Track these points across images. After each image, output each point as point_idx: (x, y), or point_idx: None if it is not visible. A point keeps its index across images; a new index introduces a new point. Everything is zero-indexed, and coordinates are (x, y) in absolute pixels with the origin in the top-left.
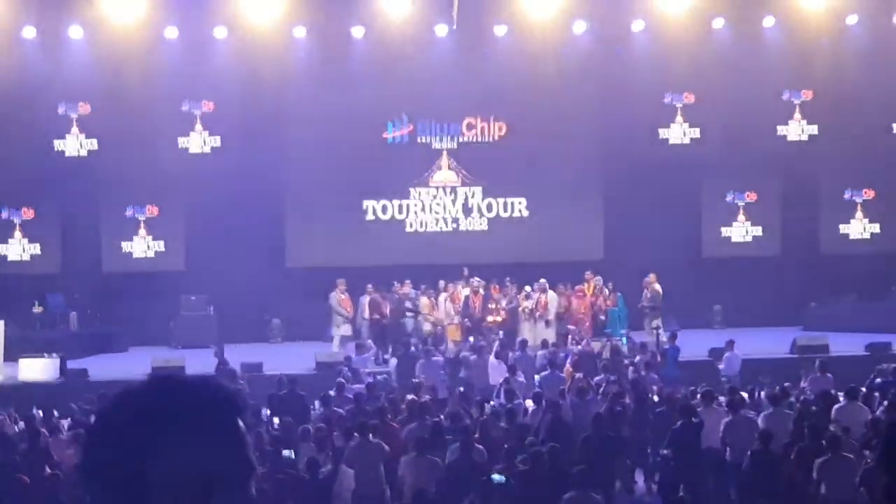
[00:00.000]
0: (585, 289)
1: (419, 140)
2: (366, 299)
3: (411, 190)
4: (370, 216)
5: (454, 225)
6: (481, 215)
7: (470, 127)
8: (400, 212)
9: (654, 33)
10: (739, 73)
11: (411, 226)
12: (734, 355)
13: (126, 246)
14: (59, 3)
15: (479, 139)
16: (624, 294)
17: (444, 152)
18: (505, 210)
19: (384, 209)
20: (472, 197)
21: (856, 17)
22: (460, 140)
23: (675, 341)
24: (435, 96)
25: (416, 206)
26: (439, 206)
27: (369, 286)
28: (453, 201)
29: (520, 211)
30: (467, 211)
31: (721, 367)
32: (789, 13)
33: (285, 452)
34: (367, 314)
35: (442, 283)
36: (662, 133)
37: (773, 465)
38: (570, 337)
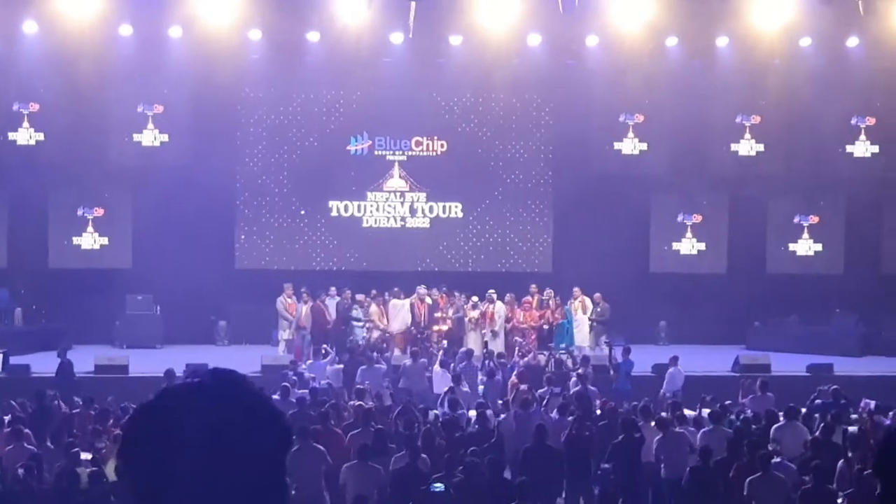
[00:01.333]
0: (531, 301)
1: (376, 153)
2: (304, 307)
3: (368, 193)
4: (334, 213)
5: (402, 222)
6: (424, 215)
7: (418, 143)
8: (359, 210)
9: (607, 49)
10: (691, 91)
11: (367, 222)
12: (677, 371)
13: (73, 242)
14: None
15: (426, 153)
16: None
17: (396, 163)
18: (444, 212)
19: (346, 208)
20: (417, 201)
21: (809, 40)
22: (409, 154)
23: (628, 356)
24: (390, 115)
25: (371, 206)
26: (391, 207)
27: (304, 291)
28: (402, 203)
29: (456, 213)
30: (413, 211)
31: (664, 382)
32: (743, 34)
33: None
34: (303, 322)
35: (395, 289)
36: (614, 147)
37: (713, 481)
38: (517, 349)
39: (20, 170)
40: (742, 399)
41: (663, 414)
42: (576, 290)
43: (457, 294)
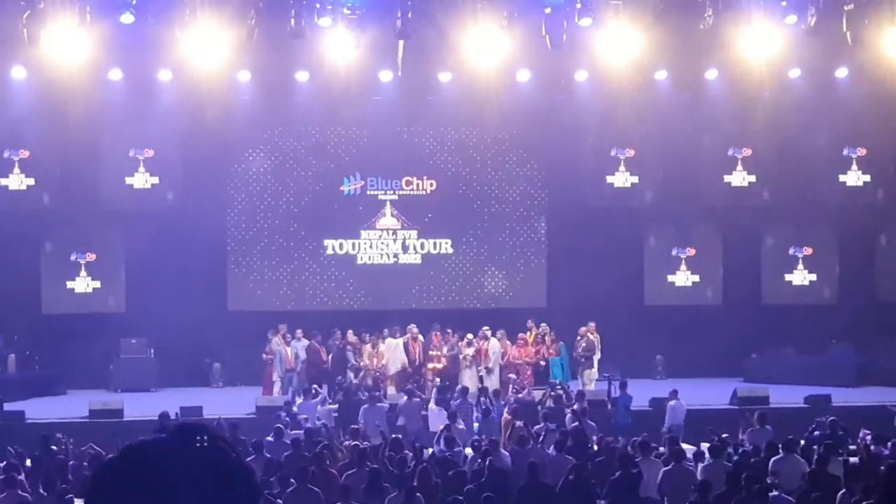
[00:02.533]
0: (527, 337)
1: (368, 192)
2: (288, 349)
3: (362, 232)
4: (329, 251)
5: (395, 259)
6: (416, 252)
7: (408, 183)
8: (353, 248)
9: (597, 84)
10: (682, 124)
11: (361, 259)
12: (679, 404)
13: (66, 287)
14: (1, 42)
15: (416, 192)
16: (566, 343)
17: (388, 202)
18: (434, 248)
19: (341, 246)
20: (409, 238)
21: (798, 71)
22: (400, 193)
23: (625, 390)
24: (381, 154)
25: (365, 244)
26: (384, 244)
27: (298, 331)
28: (394, 241)
29: (446, 249)
30: (405, 248)
31: (665, 416)
32: (732, 66)
33: None
34: (290, 365)
35: (386, 330)
36: (606, 180)
37: None
38: (511, 386)
39: (12, 216)
40: (742, 435)
41: (661, 448)
42: (590, 324)
43: (450, 332)
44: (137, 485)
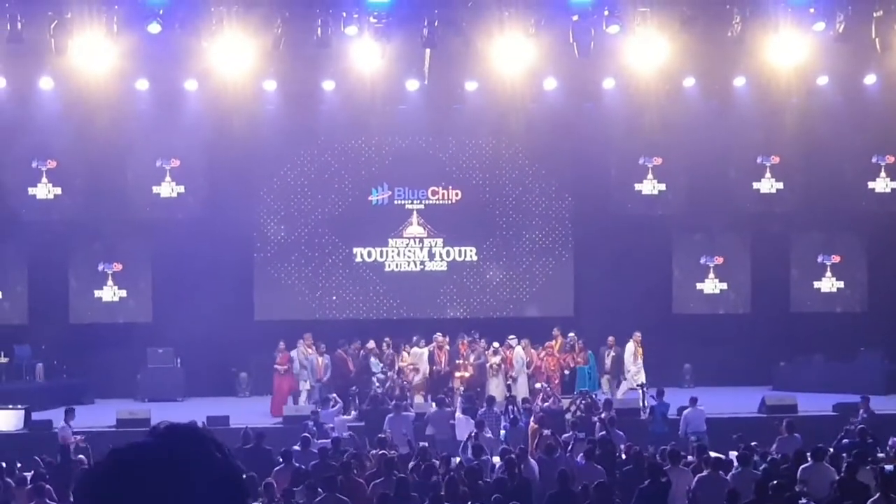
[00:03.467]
0: (553, 345)
1: (396, 202)
2: (319, 359)
3: (389, 240)
4: (358, 259)
5: (421, 266)
6: (441, 259)
7: (434, 193)
8: (381, 256)
9: (624, 92)
10: (710, 132)
11: (388, 266)
12: (696, 412)
13: (94, 297)
14: (28, 54)
15: (441, 202)
16: (594, 351)
17: (415, 212)
18: (459, 256)
19: (369, 254)
20: (435, 246)
21: (826, 78)
22: (427, 202)
23: (662, 398)
24: (408, 164)
25: (393, 252)
26: (411, 252)
27: (318, 343)
28: (421, 249)
29: (471, 257)
30: (431, 256)
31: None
32: (759, 73)
33: None
34: (321, 374)
35: (415, 338)
36: (634, 188)
37: None
38: (540, 394)
39: (39, 226)
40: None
41: (689, 457)
42: (636, 334)
43: (478, 338)
44: (123, 490)
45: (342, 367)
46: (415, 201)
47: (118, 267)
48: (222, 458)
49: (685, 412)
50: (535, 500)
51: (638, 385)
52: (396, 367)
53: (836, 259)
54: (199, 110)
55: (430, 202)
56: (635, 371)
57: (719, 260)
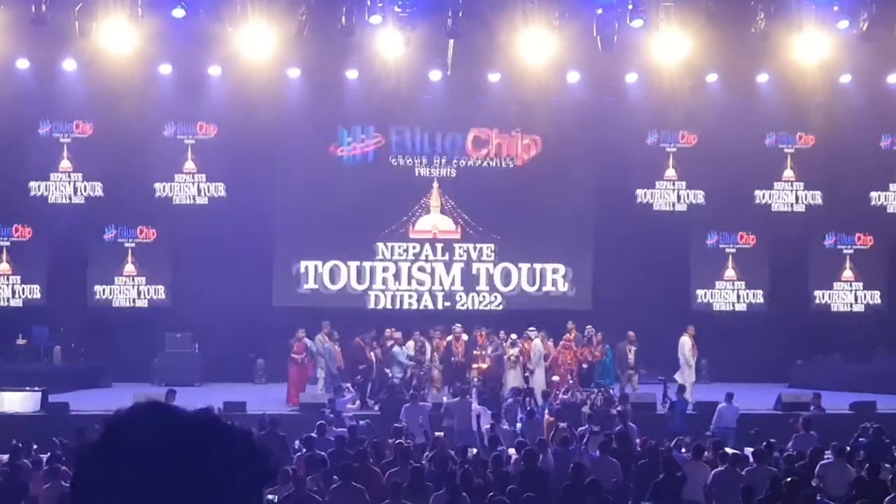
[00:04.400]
0: (570, 338)
1: (417, 190)
2: (336, 348)
3: (410, 230)
4: (379, 255)
5: (444, 256)
6: (464, 252)
7: (455, 181)
8: (399, 249)
9: (647, 86)
10: (733, 127)
11: (409, 255)
12: (729, 407)
13: (113, 280)
14: (53, 35)
15: (463, 191)
16: (612, 345)
17: (435, 202)
18: (474, 250)
19: (387, 246)
20: (456, 237)
21: (849, 76)
22: (447, 193)
23: (683, 394)
24: (430, 156)
25: (413, 244)
26: (430, 245)
27: (333, 332)
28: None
29: (491, 251)
30: (451, 248)
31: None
32: (783, 70)
33: (269, 497)
34: (340, 362)
35: (433, 332)
36: (656, 184)
37: None
38: (556, 387)
39: (60, 207)
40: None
41: (706, 453)
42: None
43: (500, 333)
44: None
45: (360, 355)
46: (435, 189)
47: (138, 251)
48: (245, 435)
49: (719, 407)
50: (551, 491)
51: (659, 379)
52: (428, 357)
53: (856, 258)
54: (223, 96)
55: (452, 190)
56: (690, 367)
57: (739, 256)
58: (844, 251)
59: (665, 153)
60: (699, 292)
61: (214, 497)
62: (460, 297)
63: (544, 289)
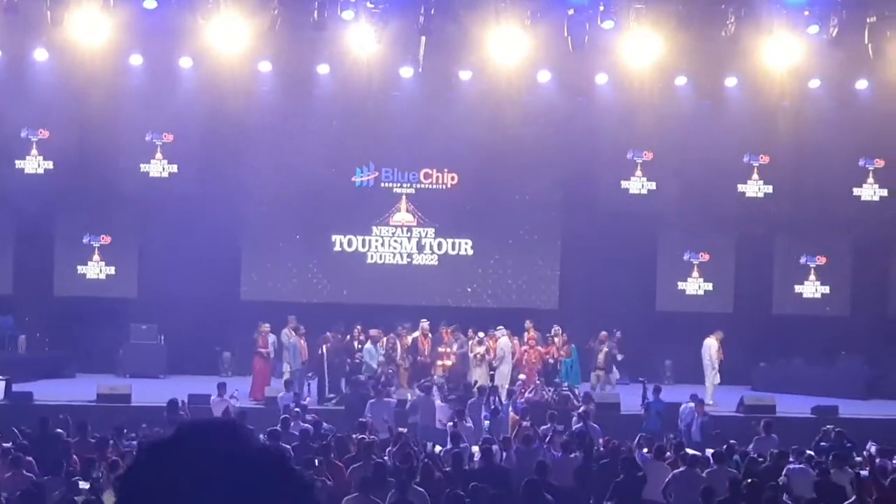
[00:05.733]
0: (534, 337)
1: (382, 185)
2: (302, 342)
3: (373, 228)
4: (337, 248)
5: (409, 259)
6: (432, 252)
7: (427, 176)
8: (363, 246)
9: (617, 87)
10: (700, 130)
11: (371, 258)
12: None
13: (79, 271)
14: (24, 25)
15: (435, 186)
16: (577, 345)
17: (404, 196)
18: (453, 248)
19: (350, 243)
20: (426, 236)
21: (818, 82)
22: (418, 186)
23: (659, 395)
24: (398, 147)
25: (377, 241)
26: (397, 242)
27: (299, 326)
28: (409, 239)
29: (466, 250)
30: (420, 248)
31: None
32: (752, 75)
33: None
34: (305, 357)
35: (401, 328)
36: (622, 185)
37: None
38: (528, 386)
39: (27, 197)
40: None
41: (667, 453)
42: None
43: (459, 330)
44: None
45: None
46: (404, 185)
47: (105, 241)
48: (285, 459)
49: (682, 407)
50: (509, 489)
51: (639, 380)
52: (399, 354)
53: (821, 261)
54: (193, 88)
55: (423, 186)
56: (714, 370)
57: (704, 258)
58: (808, 264)
59: (633, 161)
60: (664, 293)
61: None
62: (426, 293)
63: (511, 288)
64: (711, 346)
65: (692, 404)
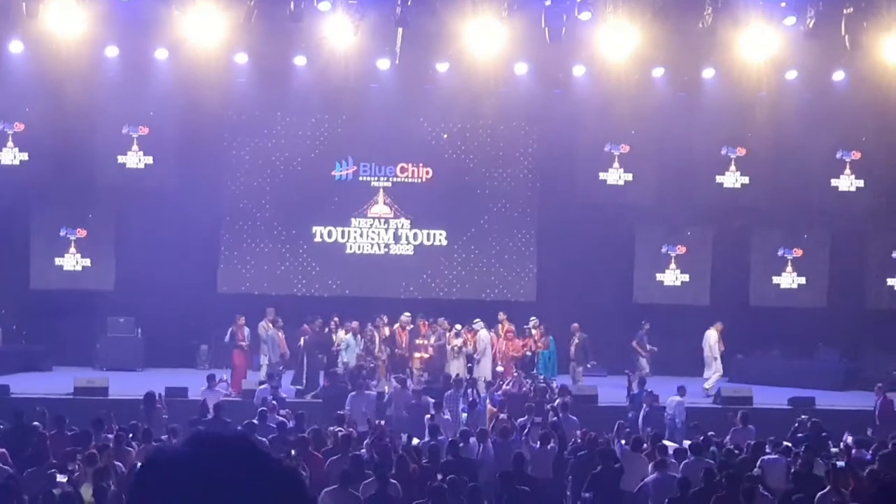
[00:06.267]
0: (511, 329)
1: (360, 178)
2: (280, 335)
3: (352, 219)
4: (318, 238)
5: (386, 249)
6: (408, 242)
7: (403, 170)
8: (342, 237)
9: (594, 79)
10: (677, 122)
11: (350, 248)
12: (672, 401)
13: (55, 263)
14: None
15: (411, 180)
16: (555, 337)
17: (381, 189)
18: (428, 239)
19: (329, 234)
20: (402, 227)
21: (795, 73)
22: (394, 180)
23: (643, 387)
24: (376, 141)
25: (355, 233)
26: (374, 233)
27: (277, 319)
28: (386, 230)
29: (440, 241)
30: (397, 238)
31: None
32: (729, 66)
33: None
34: (284, 349)
35: (379, 320)
36: (599, 177)
37: None
38: (506, 378)
39: (3, 189)
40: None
41: (645, 445)
42: (718, 324)
43: (440, 321)
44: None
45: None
46: (381, 178)
47: (82, 233)
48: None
49: (669, 399)
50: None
51: (624, 373)
52: (377, 347)
53: (798, 253)
54: (170, 80)
55: (399, 180)
56: (716, 360)
57: (682, 250)
58: (785, 256)
59: (610, 153)
60: (642, 285)
61: None
62: (404, 286)
63: (488, 280)
64: (711, 336)
65: (678, 397)
